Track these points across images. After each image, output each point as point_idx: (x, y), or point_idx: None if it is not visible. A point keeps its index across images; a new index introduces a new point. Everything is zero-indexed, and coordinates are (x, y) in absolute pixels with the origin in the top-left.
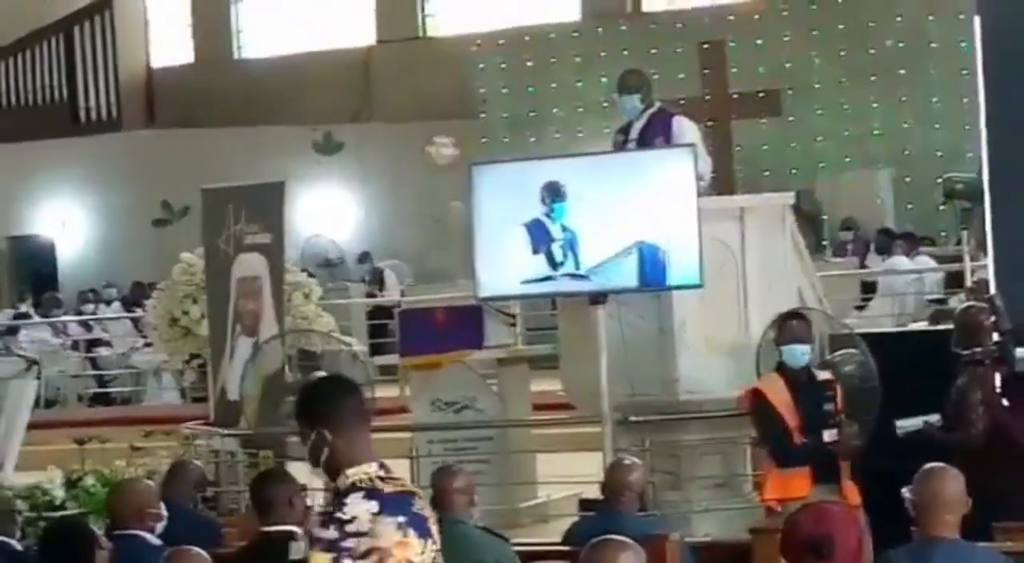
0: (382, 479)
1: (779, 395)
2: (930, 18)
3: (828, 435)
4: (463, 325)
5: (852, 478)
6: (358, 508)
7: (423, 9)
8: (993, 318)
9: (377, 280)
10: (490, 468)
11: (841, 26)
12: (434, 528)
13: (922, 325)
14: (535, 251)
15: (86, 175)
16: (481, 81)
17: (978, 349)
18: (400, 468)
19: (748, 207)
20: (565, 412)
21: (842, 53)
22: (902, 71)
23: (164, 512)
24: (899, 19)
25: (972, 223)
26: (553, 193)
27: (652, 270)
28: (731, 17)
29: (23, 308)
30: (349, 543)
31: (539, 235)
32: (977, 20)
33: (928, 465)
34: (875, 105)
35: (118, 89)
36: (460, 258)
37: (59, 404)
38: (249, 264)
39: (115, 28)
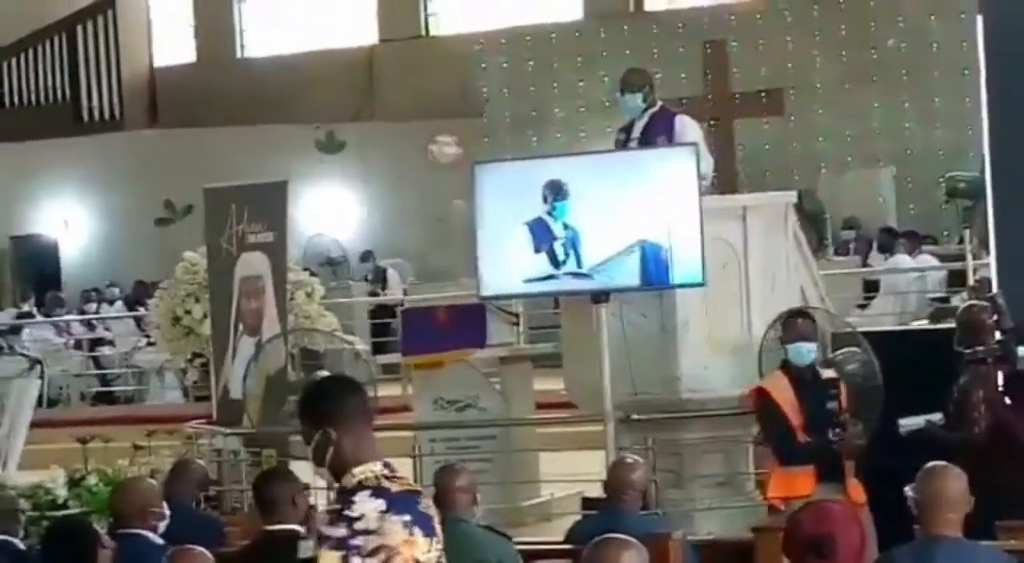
0: (387, 478)
1: (783, 393)
2: (932, 17)
3: (832, 434)
4: (465, 324)
5: (857, 477)
6: (366, 506)
7: (425, 8)
8: (995, 317)
9: (380, 279)
10: (493, 467)
11: (843, 25)
12: (439, 527)
13: (923, 324)
14: (537, 250)
15: (89, 175)
16: (483, 80)
17: (980, 348)
18: (403, 467)
19: (751, 206)
20: (568, 411)
21: (844, 52)
22: (904, 70)
23: (167, 511)
24: (901, 18)
25: (974, 222)
26: (555, 192)
27: (655, 269)
28: (733, 17)
29: (26, 307)
30: (358, 541)
31: (541, 234)
32: (979, 19)
33: (930, 464)
34: (877, 104)
35: (120, 89)
36: (462, 257)
37: (62, 403)
38: (252, 263)
39: (117, 28)
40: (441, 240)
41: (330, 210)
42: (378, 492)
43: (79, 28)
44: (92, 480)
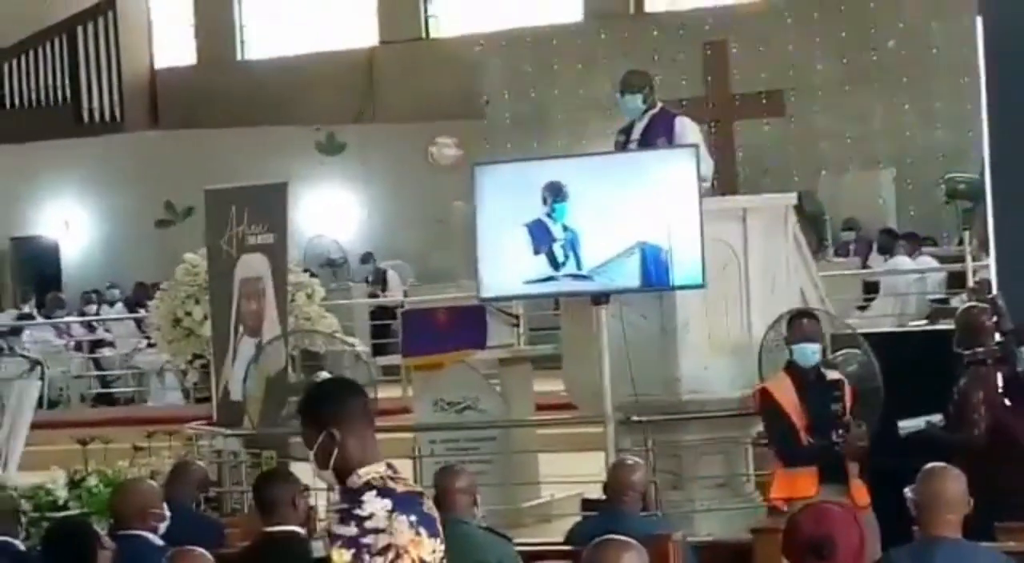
0: (392, 479)
1: (786, 395)
2: (932, 19)
3: (835, 436)
4: (466, 325)
5: (861, 478)
6: (375, 505)
7: (426, 10)
8: (995, 318)
9: (380, 280)
10: (493, 468)
11: (843, 27)
12: (440, 528)
13: (921, 324)
14: (536, 251)
15: (89, 176)
16: (483, 82)
17: (980, 349)
18: (403, 468)
19: (750, 208)
20: (567, 412)
21: (844, 54)
22: (904, 72)
23: (167, 512)
24: (901, 20)
25: (974, 223)
26: (554, 193)
27: (655, 270)
28: (733, 18)
29: (26, 309)
30: (368, 539)
31: (540, 235)
32: (979, 21)
33: (929, 465)
34: (877, 106)
35: (121, 90)
36: (463, 258)
37: (62, 404)
38: (252, 265)
39: (118, 29)
40: (441, 241)
41: (330, 212)
42: (384, 492)
43: (80, 29)
44: (92, 481)
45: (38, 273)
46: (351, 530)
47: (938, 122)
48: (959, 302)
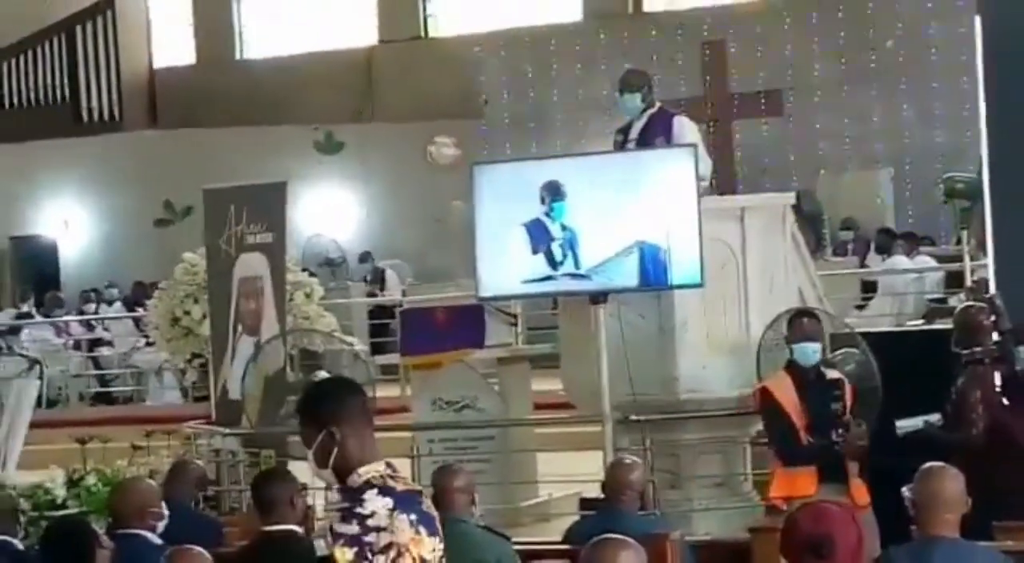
0: (391, 477)
1: (786, 394)
2: (930, 19)
3: (835, 435)
4: (464, 324)
5: (861, 478)
6: (376, 504)
7: (425, 9)
8: (993, 317)
9: (378, 280)
10: (491, 467)
11: (842, 26)
12: (439, 527)
13: (918, 323)
14: (535, 251)
15: (88, 175)
16: (482, 81)
17: (978, 349)
18: (401, 467)
19: (749, 207)
20: (566, 411)
21: (842, 53)
22: (902, 71)
23: (165, 511)
24: (899, 20)
25: (972, 223)
26: (553, 192)
27: (653, 270)
28: (732, 18)
29: (25, 308)
30: (370, 538)
31: (539, 235)
32: (977, 20)
33: (928, 464)
34: (875, 105)
35: (120, 89)
36: (461, 258)
37: (61, 403)
38: (251, 264)
39: (117, 28)
40: (439, 241)
41: (329, 211)
42: (385, 491)
43: (78, 29)
44: (91, 480)
45: (37, 272)
46: (353, 528)
47: (936, 122)
48: (957, 301)
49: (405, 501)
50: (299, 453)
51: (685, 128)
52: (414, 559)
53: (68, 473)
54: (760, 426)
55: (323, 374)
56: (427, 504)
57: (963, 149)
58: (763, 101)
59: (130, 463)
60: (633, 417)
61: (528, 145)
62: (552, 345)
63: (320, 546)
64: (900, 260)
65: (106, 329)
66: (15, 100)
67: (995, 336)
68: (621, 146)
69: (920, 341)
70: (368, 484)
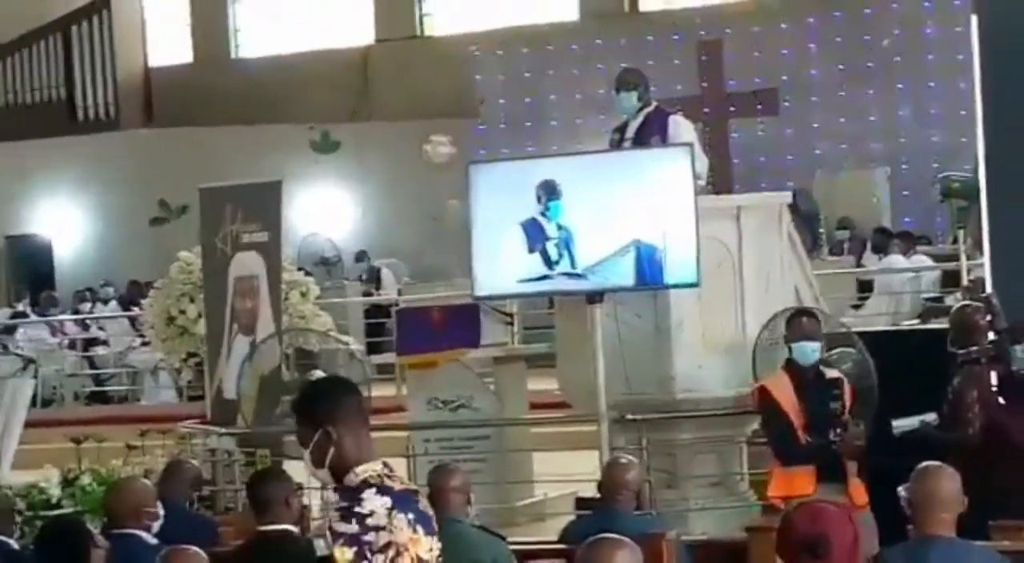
0: (388, 477)
1: (785, 393)
2: (927, 18)
3: (833, 434)
4: (460, 324)
5: (860, 477)
6: (374, 503)
7: (421, 8)
8: (989, 317)
9: (374, 279)
10: (487, 467)
11: (838, 26)
12: (436, 526)
13: (914, 323)
14: (531, 250)
15: (84, 174)
16: (478, 80)
17: (974, 348)
18: (397, 467)
19: (745, 206)
20: (562, 411)
21: (839, 52)
22: (898, 71)
23: (160, 511)
24: (895, 19)
25: (968, 222)
26: (548, 191)
27: (649, 269)
28: (728, 18)
29: (20, 307)
30: (369, 537)
31: (534, 234)
32: (974, 20)
33: (924, 464)
34: (871, 105)
35: (116, 88)
36: (457, 257)
37: (56, 403)
38: (246, 263)
39: (113, 27)
40: (435, 240)
41: (325, 210)
42: (383, 490)
43: (74, 28)
44: (86, 480)
45: (32, 271)
46: (352, 528)
47: (933, 121)
48: (953, 301)
49: (403, 500)
50: (295, 453)
51: (681, 127)
52: (412, 558)
53: (63, 473)
54: (756, 425)
55: (319, 373)
56: (424, 503)
57: (959, 149)
58: (759, 100)
59: (125, 463)
60: (629, 416)
61: (524, 144)
62: (548, 344)
63: (320, 546)
64: (896, 259)
65: (101, 328)
66: (11, 99)
67: (991, 335)
68: (617, 145)
69: (916, 340)
70: (366, 483)
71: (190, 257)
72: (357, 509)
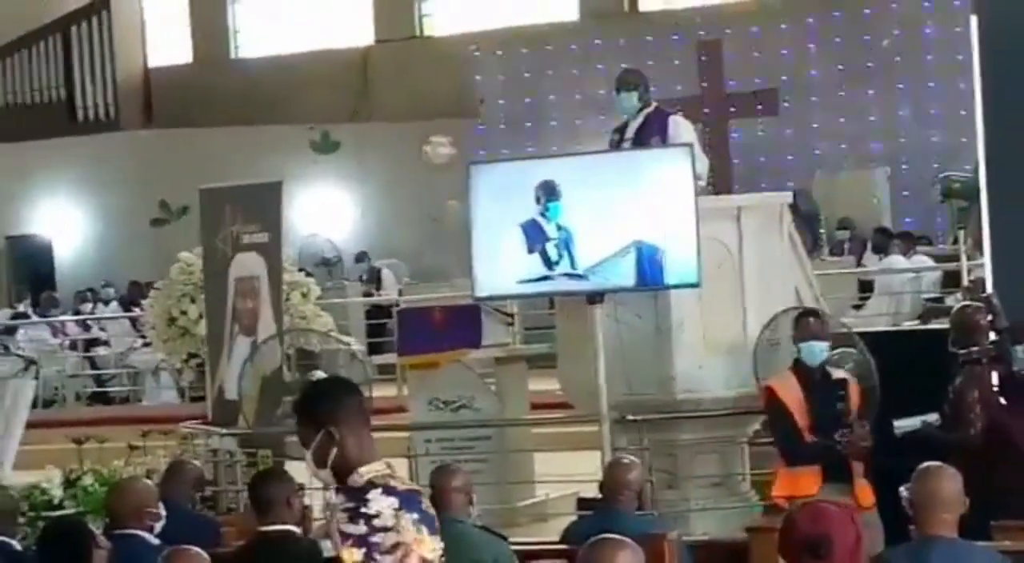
0: (391, 477)
1: (791, 393)
2: (927, 18)
3: (838, 435)
4: (461, 324)
5: (866, 478)
6: (381, 504)
7: (420, 9)
8: (990, 317)
9: (374, 279)
10: (488, 467)
11: (838, 26)
12: (438, 526)
13: (914, 324)
14: (530, 251)
15: (84, 175)
16: (478, 81)
17: (975, 348)
18: (398, 467)
19: (745, 206)
20: (563, 411)
21: (838, 52)
22: (898, 70)
23: (162, 511)
24: (895, 19)
25: (969, 222)
26: (548, 192)
27: (650, 269)
28: (728, 17)
29: (21, 308)
30: (377, 538)
31: (534, 235)
32: (973, 20)
33: (925, 464)
34: (871, 105)
35: (116, 89)
36: (457, 257)
37: (57, 403)
38: (247, 264)
39: (112, 28)
40: (436, 240)
41: (325, 210)
42: (388, 490)
43: (74, 28)
44: (88, 480)
45: (32, 272)
46: (360, 529)
47: (933, 121)
48: (954, 301)
49: (408, 500)
50: (296, 453)
51: (681, 127)
52: (419, 559)
53: (65, 473)
54: (758, 426)
55: (320, 374)
56: (427, 504)
57: (959, 149)
58: (759, 101)
59: (127, 463)
60: (630, 417)
61: (524, 144)
62: (549, 345)
63: (327, 547)
64: (897, 260)
65: (102, 329)
66: (11, 99)
67: (992, 336)
68: (617, 145)
69: (917, 341)
70: (371, 484)
71: (191, 258)
72: (364, 510)
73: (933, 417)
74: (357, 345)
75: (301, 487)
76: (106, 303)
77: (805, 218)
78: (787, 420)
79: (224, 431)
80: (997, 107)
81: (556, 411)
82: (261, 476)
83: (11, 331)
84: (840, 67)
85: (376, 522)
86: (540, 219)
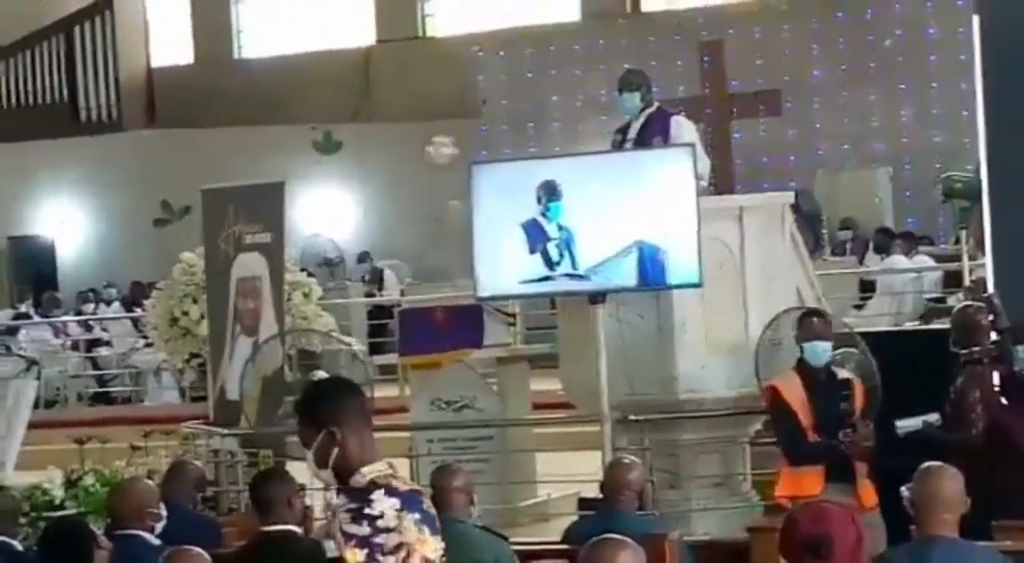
0: (393, 477)
1: (795, 393)
2: (929, 18)
3: (842, 435)
4: (463, 324)
5: (870, 478)
6: (384, 504)
7: (422, 9)
8: (991, 317)
9: (376, 279)
10: (489, 467)
11: (841, 27)
12: (439, 526)
13: (915, 324)
14: (531, 251)
15: (86, 175)
16: (480, 81)
17: (976, 348)
18: (400, 467)
19: (747, 207)
20: (564, 411)
21: (841, 53)
22: (901, 71)
23: (164, 512)
24: (898, 19)
25: (971, 222)
26: (549, 192)
27: (651, 270)
28: (730, 18)
29: (23, 308)
30: (380, 539)
31: (535, 235)
32: (976, 20)
33: (926, 464)
34: (874, 105)
35: (118, 89)
36: (459, 257)
37: (59, 404)
38: (249, 264)
39: (115, 28)
40: (438, 241)
41: (327, 211)
42: (391, 491)
43: (77, 29)
44: (89, 481)
45: (35, 272)
46: (364, 529)
47: (935, 121)
48: (955, 301)
49: (410, 501)
50: (297, 453)
51: (683, 128)
52: (422, 559)
53: (66, 474)
54: (759, 426)
55: (321, 374)
56: (428, 504)
57: (961, 149)
58: (761, 101)
59: (128, 463)
60: (632, 417)
61: (526, 145)
62: (551, 345)
63: (330, 547)
64: (898, 260)
65: (104, 329)
66: (13, 100)
67: (993, 336)
68: (619, 146)
69: (919, 341)
70: (374, 484)
71: (193, 258)
72: (367, 511)
73: (934, 417)
74: (358, 345)
75: (302, 487)
76: (108, 303)
77: (807, 218)
78: (791, 420)
79: (225, 431)
80: (999, 107)
81: (558, 411)
82: (262, 476)
83: (13, 331)
84: (843, 68)
85: (379, 523)
86: (541, 219)
